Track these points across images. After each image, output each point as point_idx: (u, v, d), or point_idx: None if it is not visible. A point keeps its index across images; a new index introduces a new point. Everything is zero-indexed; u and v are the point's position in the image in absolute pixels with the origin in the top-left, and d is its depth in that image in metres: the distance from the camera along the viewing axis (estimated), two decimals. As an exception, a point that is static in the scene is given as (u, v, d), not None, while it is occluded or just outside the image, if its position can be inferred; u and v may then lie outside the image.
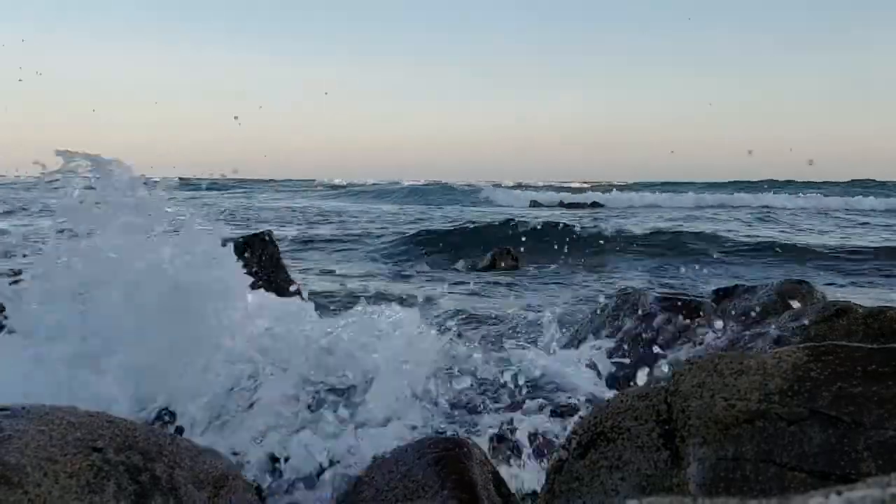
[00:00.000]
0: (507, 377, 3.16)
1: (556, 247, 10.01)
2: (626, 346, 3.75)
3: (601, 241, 12.02)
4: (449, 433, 2.54)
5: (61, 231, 3.17)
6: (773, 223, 17.83)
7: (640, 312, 3.91)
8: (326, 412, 2.61)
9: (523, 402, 2.90)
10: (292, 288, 6.20)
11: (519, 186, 40.38)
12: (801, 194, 27.56)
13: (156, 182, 3.32)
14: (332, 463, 2.33)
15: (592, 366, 3.73)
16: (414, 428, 2.58)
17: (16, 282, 3.09)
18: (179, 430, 2.46)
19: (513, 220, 14.59)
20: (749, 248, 12.14)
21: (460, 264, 10.24)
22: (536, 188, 37.79)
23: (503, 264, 9.87)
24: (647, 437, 1.61)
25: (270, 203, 25.75)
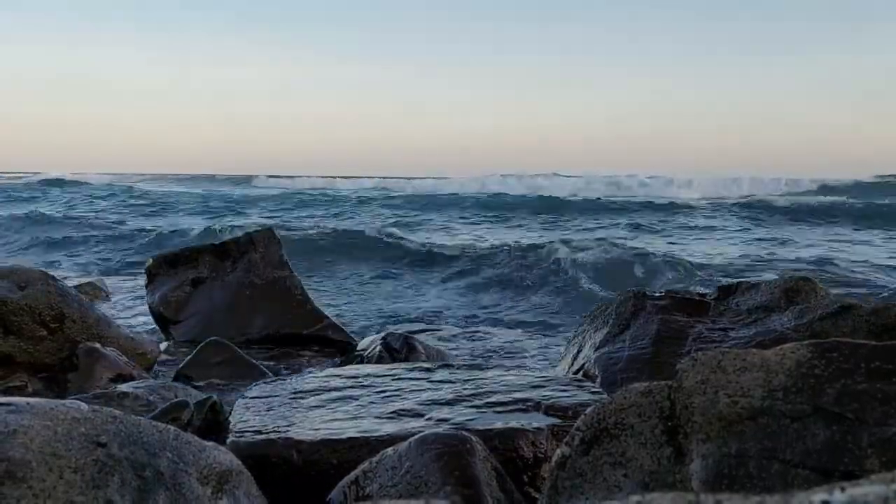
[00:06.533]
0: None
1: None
2: (628, 344, 3.74)
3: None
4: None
5: None
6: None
7: (643, 310, 3.90)
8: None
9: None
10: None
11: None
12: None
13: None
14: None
15: (594, 363, 3.73)
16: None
17: None
18: (184, 426, 2.47)
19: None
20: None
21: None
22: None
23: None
24: (651, 434, 1.61)
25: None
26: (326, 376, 3.28)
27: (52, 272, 4.40)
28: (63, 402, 1.70)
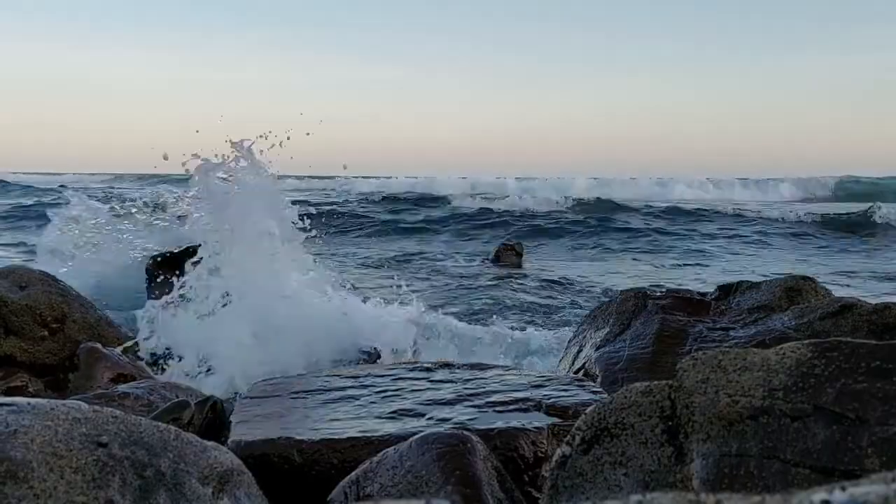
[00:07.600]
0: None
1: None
2: (629, 343, 3.74)
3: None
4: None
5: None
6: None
7: (643, 309, 3.90)
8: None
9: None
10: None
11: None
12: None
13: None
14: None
15: (595, 363, 3.73)
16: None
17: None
18: (185, 426, 2.47)
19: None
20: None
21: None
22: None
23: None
24: (651, 433, 1.61)
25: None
26: (327, 376, 3.28)
27: None
28: (64, 402, 1.70)
